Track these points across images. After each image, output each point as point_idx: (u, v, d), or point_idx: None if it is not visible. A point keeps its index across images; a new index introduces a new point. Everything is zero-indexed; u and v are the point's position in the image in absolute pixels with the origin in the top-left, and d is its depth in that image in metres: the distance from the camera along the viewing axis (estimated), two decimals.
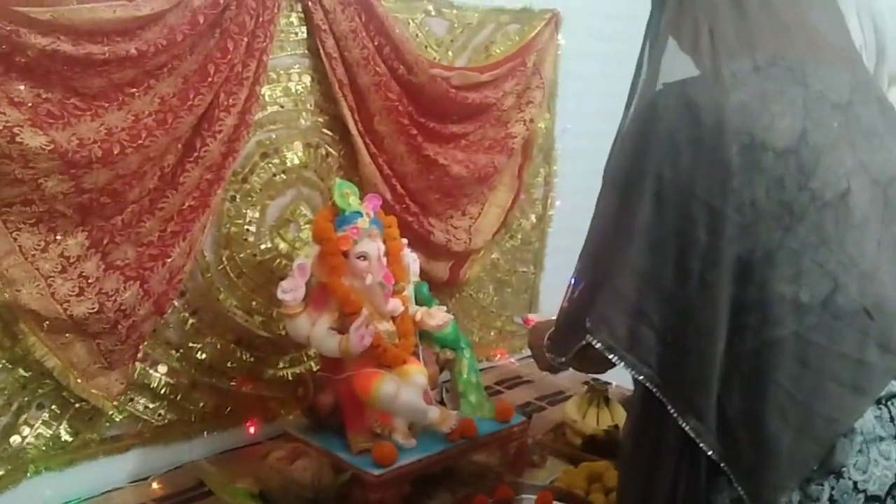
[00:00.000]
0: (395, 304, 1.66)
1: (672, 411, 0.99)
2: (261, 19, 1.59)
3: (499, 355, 2.46)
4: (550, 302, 2.16)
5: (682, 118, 0.95)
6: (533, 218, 2.47)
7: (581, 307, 1.04)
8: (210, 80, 1.51)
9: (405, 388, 1.58)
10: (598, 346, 0.99)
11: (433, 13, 2.00)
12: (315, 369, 1.90)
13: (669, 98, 0.97)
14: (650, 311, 0.98)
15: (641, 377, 0.99)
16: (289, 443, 1.62)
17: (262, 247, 1.78)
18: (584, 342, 1.01)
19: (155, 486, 1.63)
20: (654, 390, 1.00)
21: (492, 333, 2.44)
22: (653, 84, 0.99)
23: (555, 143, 2.45)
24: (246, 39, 1.57)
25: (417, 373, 1.64)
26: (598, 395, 1.95)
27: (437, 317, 1.69)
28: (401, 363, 1.63)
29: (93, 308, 1.43)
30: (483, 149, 2.13)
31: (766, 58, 0.98)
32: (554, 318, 1.58)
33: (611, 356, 0.99)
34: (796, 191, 0.95)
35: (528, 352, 2.46)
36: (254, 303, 1.78)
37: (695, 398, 0.98)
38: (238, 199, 1.72)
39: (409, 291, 1.75)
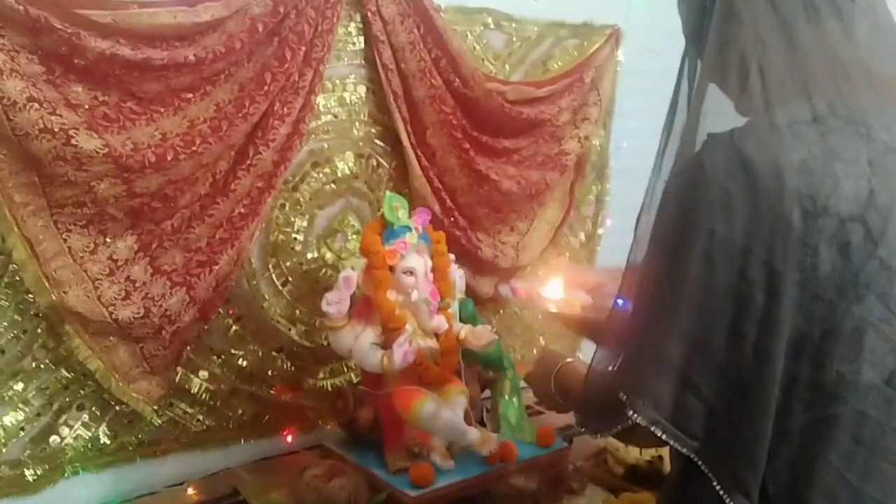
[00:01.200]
0: (439, 322, 1.64)
1: (718, 488, 0.93)
2: (319, 29, 1.59)
3: None
4: None
5: (735, 176, 0.87)
6: (582, 236, 2.42)
7: (622, 380, 0.97)
8: (266, 88, 1.51)
9: (446, 407, 1.56)
10: (641, 421, 0.92)
11: (492, 26, 1.98)
12: (355, 382, 1.89)
13: (718, 154, 0.89)
14: (699, 380, 0.91)
15: (686, 450, 0.94)
16: (326, 457, 1.62)
17: (309, 256, 1.77)
18: (628, 422, 0.94)
19: (190, 491, 1.63)
20: (701, 465, 0.94)
21: (534, 351, 2.40)
22: (693, 131, 0.93)
23: (609, 161, 2.41)
24: (304, 48, 1.56)
25: (459, 393, 1.62)
26: None
27: (483, 336, 1.66)
28: (443, 382, 1.61)
29: (138, 313, 1.43)
30: (535, 165, 2.10)
31: (824, 105, 0.90)
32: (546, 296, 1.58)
33: (654, 429, 0.92)
34: (864, 259, 0.88)
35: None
36: (297, 311, 1.78)
37: (744, 475, 0.92)
38: (287, 208, 1.71)
39: (454, 308, 1.73)
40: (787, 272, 0.87)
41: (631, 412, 0.92)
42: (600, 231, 2.47)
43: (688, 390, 0.91)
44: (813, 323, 0.88)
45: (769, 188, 0.86)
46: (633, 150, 2.42)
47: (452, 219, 1.93)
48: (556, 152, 2.14)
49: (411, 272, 1.58)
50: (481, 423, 1.74)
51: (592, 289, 1.73)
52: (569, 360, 1.31)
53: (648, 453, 1.84)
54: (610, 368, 1.03)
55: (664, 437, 0.92)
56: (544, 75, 2.11)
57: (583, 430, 1.08)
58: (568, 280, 1.66)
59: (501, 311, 2.25)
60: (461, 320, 1.74)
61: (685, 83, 1.00)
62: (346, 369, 1.90)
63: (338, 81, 1.73)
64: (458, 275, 1.76)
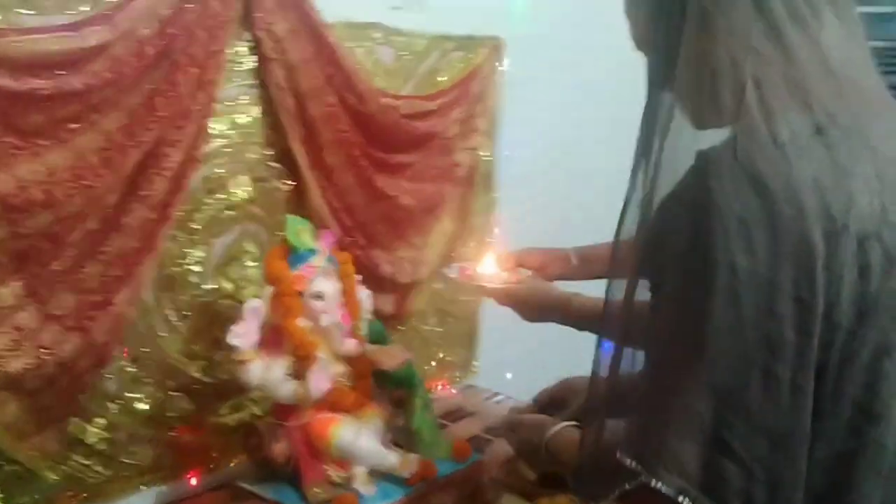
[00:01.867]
0: (350, 345, 1.62)
1: None
2: (210, 49, 1.52)
3: (440, 386, 2.43)
4: (492, 329, 2.16)
5: (747, 197, 0.80)
6: (472, 246, 2.45)
7: (633, 443, 0.87)
8: (158, 114, 1.43)
9: (364, 433, 1.54)
10: (666, 489, 0.82)
11: (381, 41, 1.96)
12: (259, 415, 1.83)
13: (725, 176, 0.81)
14: (733, 439, 0.81)
15: None
16: (239, 498, 1.55)
17: (206, 287, 1.69)
18: (634, 483, 0.85)
19: None
20: None
21: (433, 363, 2.41)
22: (678, 151, 0.87)
23: (496, 171, 2.44)
24: (196, 70, 1.49)
25: (374, 416, 1.61)
26: None
27: (396, 356, 1.65)
28: (359, 406, 1.59)
29: (30, 363, 1.32)
30: (430, 178, 2.11)
31: (824, 116, 0.84)
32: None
33: (682, 499, 0.82)
34: (881, 281, 0.82)
35: (468, 380, 2.48)
36: (195, 347, 1.70)
37: None
38: (180, 238, 1.63)
39: (364, 330, 1.70)
40: (814, 303, 0.80)
41: (655, 481, 0.83)
42: (490, 240, 2.50)
43: (721, 452, 0.82)
44: (832, 353, 0.82)
45: (788, 212, 0.80)
46: (520, 159, 2.47)
47: (352, 238, 1.91)
48: (448, 164, 2.16)
49: (321, 296, 1.55)
50: (396, 445, 1.73)
51: (537, 268, 1.79)
52: (554, 429, 1.24)
53: None
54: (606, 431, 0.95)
55: None
56: (433, 88, 2.12)
57: (577, 496, 1.04)
58: (510, 260, 1.72)
59: (399, 328, 2.23)
60: (371, 341, 1.71)
61: (656, 100, 0.94)
62: (248, 403, 1.83)
63: (229, 103, 1.66)
64: (364, 294, 1.73)
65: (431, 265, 2.19)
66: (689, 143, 0.88)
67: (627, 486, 0.86)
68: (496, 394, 2.47)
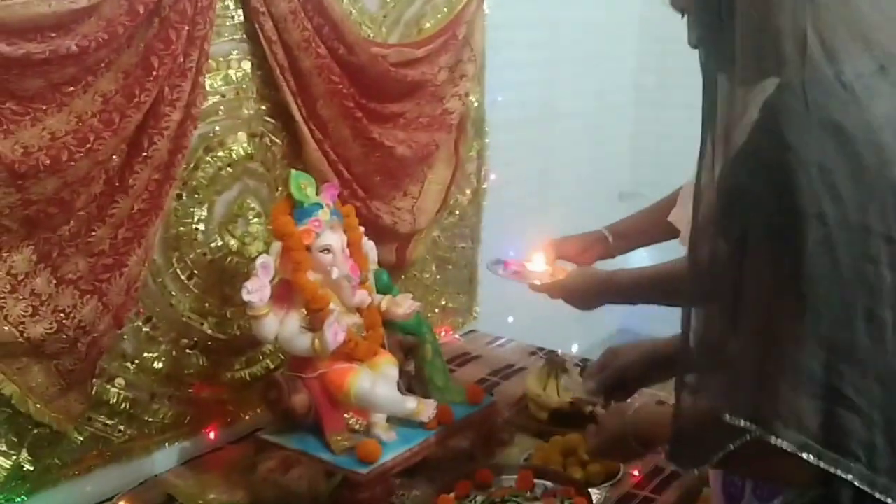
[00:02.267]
0: (362, 296, 1.63)
1: None
2: (199, 4, 1.50)
3: (444, 332, 2.46)
4: (488, 276, 2.19)
5: (824, 144, 0.80)
6: (469, 193, 2.47)
7: (742, 400, 0.85)
8: (155, 73, 1.42)
9: (380, 381, 1.57)
10: (787, 446, 0.81)
11: None
12: (272, 368, 1.86)
13: (797, 123, 0.81)
14: (847, 388, 0.80)
15: (851, 476, 0.81)
16: (260, 449, 1.58)
17: (212, 245, 1.70)
18: (739, 443, 0.84)
19: None
20: (867, 488, 0.82)
21: (436, 311, 2.44)
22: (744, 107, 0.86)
23: (485, 116, 2.45)
24: (187, 27, 1.47)
25: (389, 364, 1.63)
26: (557, 367, 1.98)
27: (404, 305, 1.67)
28: (372, 355, 1.61)
29: (50, 328, 1.34)
30: (422, 127, 2.11)
31: (885, 56, 0.84)
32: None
33: (805, 455, 0.81)
34: None
35: (469, 326, 2.52)
36: (206, 304, 1.71)
37: None
38: (184, 197, 1.64)
39: (371, 280, 1.72)
40: None
41: (775, 438, 0.81)
42: (485, 186, 2.51)
43: (837, 403, 0.81)
44: None
45: (867, 154, 0.80)
46: (509, 102, 2.48)
47: (351, 190, 1.91)
48: (439, 112, 2.15)
49: (329, 250, 1.56)
50: (410, 391, 1.75)
51: (577, 255, 1.84)
52: (632, 410, 1.23)
53: (567, 395, 1.92)
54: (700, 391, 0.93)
55: (820, 463, 0.81)
56: (419, 35, 2.11)
57: (675, 465, 1.00)
58: (552, 252, 1.77)
59: (402, 277, 2.26)
60: (378, 291, 1.73)
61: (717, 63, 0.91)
62: (262, 357, 1.86)
63: (221, 59, 1.66)
64: (369, 246, 1.75)
65: (429, 214, 2.21)
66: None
67: (732, 447, 0.85)
68: (498, 338, 2.51)
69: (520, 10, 2.44)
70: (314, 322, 1.55)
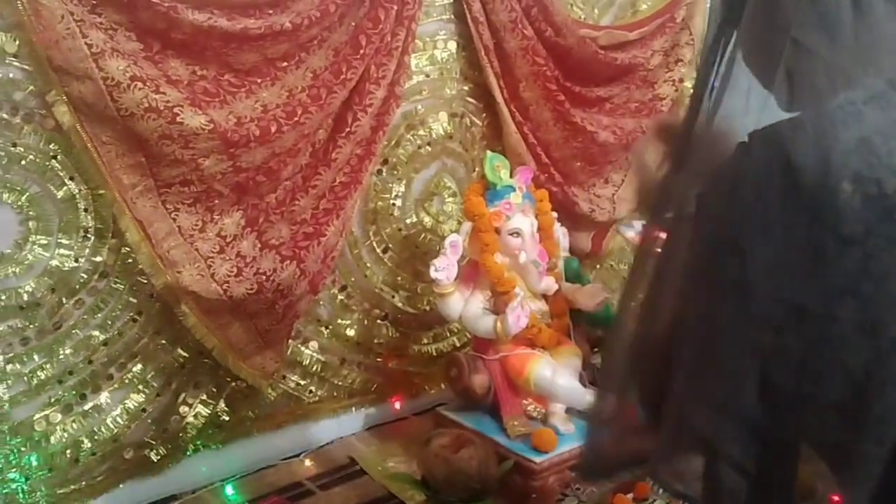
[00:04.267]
0: (548, 283, 1.58)
1: None
2: None
3: None
4: None
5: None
6: None
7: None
8: (362, 52, 1.45)
9: (561, 370, 1.51)
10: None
11: None
12: (458, 346, 1.86)
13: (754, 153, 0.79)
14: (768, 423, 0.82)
15: None
16: (439, 424, 1.58)
17: (408, 221, 1.72)
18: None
19: (308, 463, 1.62)
20: None
21: (631, 304, 2.33)
22: (735, 96, 0.82)
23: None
24: (395, 7, 1.49)
25: (572, 354, 1.57)
26: None
27: (596, 296, 1.59)
28: (555, 344, 1.56)
29: (251, 288, 1.41)
30: (629, 112, 2.00)
31: (879, 84, 0.80)
32: None
33: None
34: None
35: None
36: (399, 278, 1.74)
37: None
38: (384, 173, 1.66)
39: (560, 268, 1.66)
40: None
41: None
42: None
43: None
44: None
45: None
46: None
47: (548, 174, 1.86)
48: (649, 98, 2.04)
49: (518, 233, 1.52)
50: (593, 384, 1.69)
51: None
52: None
53: None
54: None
55: None
56: (633, 17, 2.01)
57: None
58: None
59: (598, 267, 2.17)
60: (567, 279, 1.67)
61: (717, 68, 0.86)
62: (448, 334, 1.86)
63: (427, 39, 1.66)
64: (561, 233, 1.69)
65: (630, 203, 2.10)
66: (744, 89, 0.82)
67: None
68: None
69: None
70: (498, 305, 1.52)
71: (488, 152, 1.57)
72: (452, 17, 1.68)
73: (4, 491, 1.31)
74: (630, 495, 1.48)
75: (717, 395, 0.82)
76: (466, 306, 1.53)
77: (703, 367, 0.83)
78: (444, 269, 1.50)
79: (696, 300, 0.84)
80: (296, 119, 1.37)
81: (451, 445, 1.31)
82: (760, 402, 0.80)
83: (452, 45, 1.70)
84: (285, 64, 1.41)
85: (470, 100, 1.76)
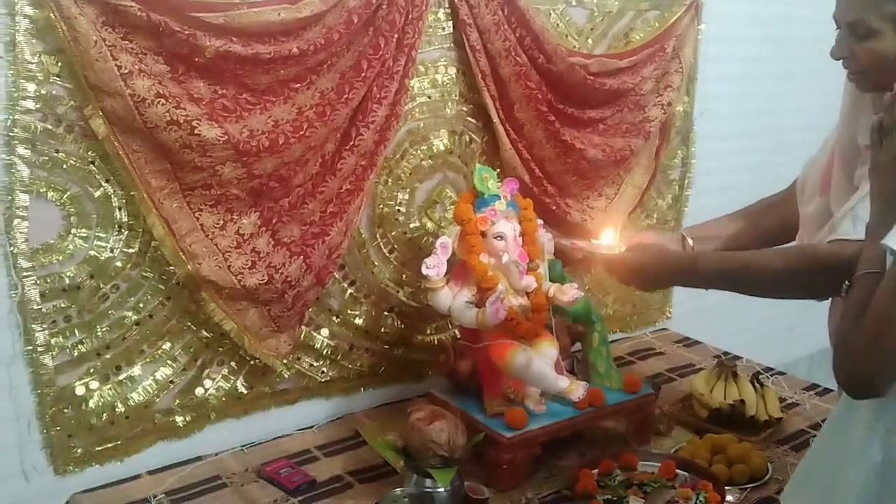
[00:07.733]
0: (528, 281, 1.58)
1: None
2: (410, 16, 1.54)
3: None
4: None
5: None
6: (669, 198, 2.29)
7: None
8: (364, 74, 1.48)
9: (537, 358, 1.51)
10: None
11: (574, 3, 1.87)
12: (459, 336, 1.86)
13: None
14: None
15: None
16: (430, 403, 1.60)
17: (412, 225, 1.75)
18: None
19: (317, 433, 1.66)
20: None
21: (627, 307, 2.31)
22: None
23: (693, 126, 2.26)
24: (396, 36, 1.52)
25: (548, 345, 1.56)
26: (727, 370, 1.80)
27: (569, 293, 1.58)
28: (533, 336, 1.55)
29: (263, 279, 1.45)
30: (620, 133, 1.99)
31: None
32: None
33: None
34: None
35: (662, 324, 2.35)
36: (404, 276, 1.76)
37: None
38: (390, 183, 1.69)
39: (544, 269, 1.66)
40: None
41: None
42: (688, 192, 2.33)
43: None
44: None
45: None
46: (717, 113, 2.27)
47: (542, 187, 1.86)
48: (639, 120, 2.02)
49: (501, 237, 1.53)
50: (572, 373, 1.68)
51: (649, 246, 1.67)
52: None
53: (731, 397, 1.73)
54: None
55: None
56: (626, 47, 1.99)
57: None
58: (628, 239, 1.60)
59: (592, 271, 2.16)
60: (551, 279, 1.67)
61: None
62: (449, 325, 1.87)
63: (430, 65, 1.68)
64: (545, 238, 1.69)
65: (622, 214, 2.08)
66: None
67: None
68: (687, 338, 2.32)
69: (734, 25, 2.22)
70: (482, 299, 1.53)
71: (478, 165, 1.59)
72: (452, 45, 1.70)
73: (49, 445, 1.37)
74: (595, 470, 1.48)
75: None
76: (454, 300, 1.55)
77: None
78: (434, 266, 1.52)
79: None
80: (301, 133, 1.41)
81: (425, 418, 1.34)
82: None
83: (452, 71, 1.72)
84: (297, 85, 1.45)
85: (469, 119, 1.78)
